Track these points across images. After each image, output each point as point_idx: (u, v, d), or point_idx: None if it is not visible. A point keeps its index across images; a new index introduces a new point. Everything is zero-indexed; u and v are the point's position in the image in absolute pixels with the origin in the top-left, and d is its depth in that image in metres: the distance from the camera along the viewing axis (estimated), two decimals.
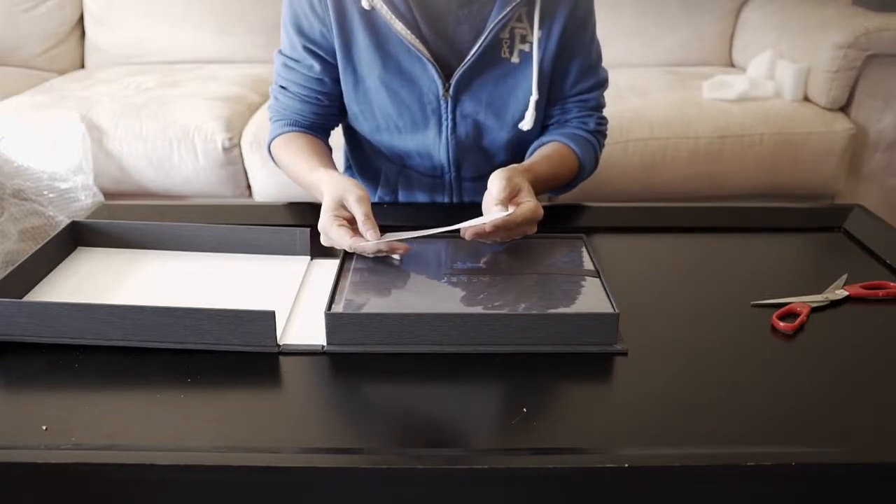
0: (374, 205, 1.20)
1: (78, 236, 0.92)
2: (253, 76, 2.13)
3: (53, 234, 0.88)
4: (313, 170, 0.98)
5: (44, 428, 0.63)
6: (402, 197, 1.17)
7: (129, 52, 2.35)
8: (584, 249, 0.90)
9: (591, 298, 0.80)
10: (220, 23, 2.33)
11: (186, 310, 0.72)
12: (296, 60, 1.07)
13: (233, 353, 0.73)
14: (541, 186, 0.99)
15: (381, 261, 0.86)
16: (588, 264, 0.86)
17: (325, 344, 0.74)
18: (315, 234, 0.89)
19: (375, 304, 0.78)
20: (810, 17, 2.04)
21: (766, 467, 0.58)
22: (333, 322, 0.73)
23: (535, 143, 1.10)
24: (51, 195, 1.50)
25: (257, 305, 0.73)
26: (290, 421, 0.65)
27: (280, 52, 1.09)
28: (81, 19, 2.40)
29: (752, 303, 0.83)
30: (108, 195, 1.81)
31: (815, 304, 0.82)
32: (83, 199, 1.64)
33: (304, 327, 0.77)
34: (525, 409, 0.65)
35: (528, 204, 0.87)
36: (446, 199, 1.14)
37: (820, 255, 1.00)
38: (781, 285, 0.86)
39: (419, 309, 0.77)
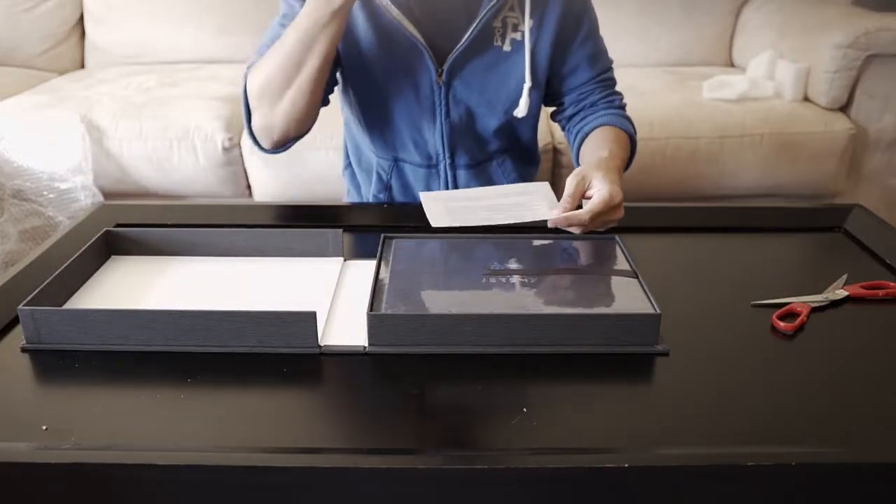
0: (374, 205, 1.20)
1: (111, 246, 0.90)
2: None
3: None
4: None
5: (44, 428, 0.62)
6: (396, 192, 1.17)
7: (129, 52, 2.35)
8: (618, 250, 0.90)
9: (630, 299, 0.79)
10: (220, 23, 2.33)
11: (227, 313, 0.72)
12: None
13: (238, 354, 0.72)
14: (622, 167, 1.01)
15: (417, 261, 0.86)
16: (623, 265, 0.86)
17: (366, 345, 0.73)
18: (346, 235, 0.89)
19: (416, 305, 0.78)
20: (810, 17, 2.04)
21: (766, 467, 0.58)
22: (376, 323, 0.72)
23: (577, 135, 1.11)
24: (51, 195, 1.50)
25: (295, 308, 0.72)
26: (291, 421, 0.65)
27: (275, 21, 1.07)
28: (81, 19, 2.40)
29: (752, 303, 0.83)
30: (107, 195, 1.82)
31: (815, 304, 0.82)
32: (83, 199, 1.64)
33: (342, 328, 0.76)
34: (525, 409, 0.65)
35: (598, 194, 0.87)
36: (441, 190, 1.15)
37: (820, 255, 1.00)
38: (781, 285, 0.86)
39: (460, 310, 0.76)
